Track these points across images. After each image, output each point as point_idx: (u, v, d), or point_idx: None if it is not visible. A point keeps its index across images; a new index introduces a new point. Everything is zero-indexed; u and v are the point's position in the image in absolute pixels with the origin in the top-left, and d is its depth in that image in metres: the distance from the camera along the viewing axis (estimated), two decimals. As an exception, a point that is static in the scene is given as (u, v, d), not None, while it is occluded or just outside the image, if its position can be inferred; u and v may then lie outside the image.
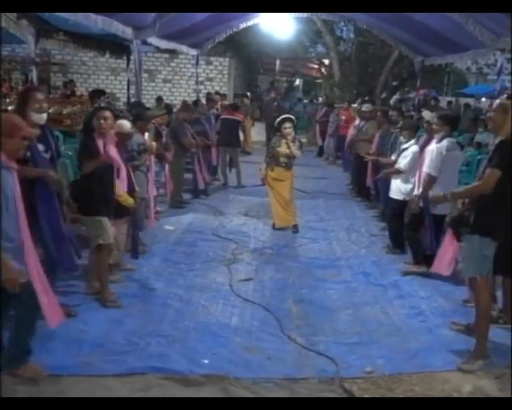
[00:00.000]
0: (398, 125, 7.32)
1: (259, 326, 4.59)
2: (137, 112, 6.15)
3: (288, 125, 7.46)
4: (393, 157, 6.85)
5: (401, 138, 6.86)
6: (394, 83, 20.32)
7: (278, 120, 7.67)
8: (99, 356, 3.88)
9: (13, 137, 3.29)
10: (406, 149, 6.49)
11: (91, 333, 4.21)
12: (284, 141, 7.47)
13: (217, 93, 15.95)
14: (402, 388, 3.71)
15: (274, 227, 7.66)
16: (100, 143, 4.64)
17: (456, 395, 3.62)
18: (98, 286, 4.87)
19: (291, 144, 7.42)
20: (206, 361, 3.92)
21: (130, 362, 3.82)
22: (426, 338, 4.45)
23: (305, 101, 24.32)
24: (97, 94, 7.47)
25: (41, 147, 4.20)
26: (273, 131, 17.32)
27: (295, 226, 7.60)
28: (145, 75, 18.33)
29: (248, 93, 19.95)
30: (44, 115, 4.18)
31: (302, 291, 5.47)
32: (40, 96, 4.18)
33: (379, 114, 9.60)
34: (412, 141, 6.52)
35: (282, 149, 7.48)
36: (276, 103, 17.80)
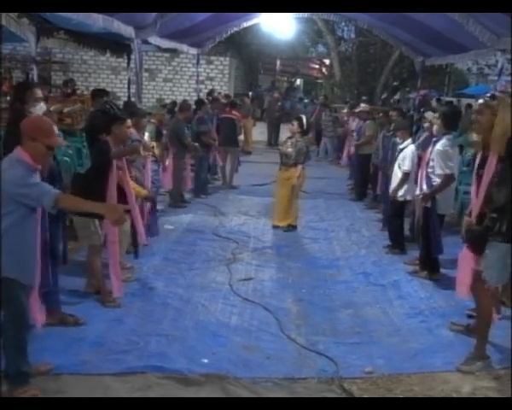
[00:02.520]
0: (391, 128, 7.34)
1: (259, 326, 4.59)
2: (131, 110, 6.15)
3: (293, 122, 7.61)
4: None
5: (396, 139, 6.86)
6: (395, 83, 20.35)
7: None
8: (99, 355, 3.88)
9: (38, 140, 3.22)
10: (403, 149, 6.50)
11: (91, 332, 4.21)
12: (291, 140, 7.52)
13: (216, 93, 15.96)
14: (401, 388, 3.71)
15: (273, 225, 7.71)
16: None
17: (455, 396, 3.62)
18: (97, 284, 4.87)
19: (288, 143, 7.49)
20: (205, 361, 3.92)
21: (130, 361, 3.82)
22: (425, 338, 4.45)
23: (306, 101, 24.33)
24: (99, 93, 7.45)
25: None
26: (275, 130, 17.45)
27: (288, 226, 7.61)
28: (146, 74, 18.38)
29: (250, 93, 19.95)
30: (41, 104, 4.14)
31: (302, 291, 5.47)
32: (39, 92, 4.15)
33: (381, 115, 9.60)
34: (409, 140, 6.53)
35: (285, 148, 7.54)
36: (279, 103, 17.83)
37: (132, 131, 5.15)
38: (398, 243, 6.64)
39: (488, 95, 4.05)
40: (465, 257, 4.11)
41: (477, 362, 3.94)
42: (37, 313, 3.65)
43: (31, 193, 3.14)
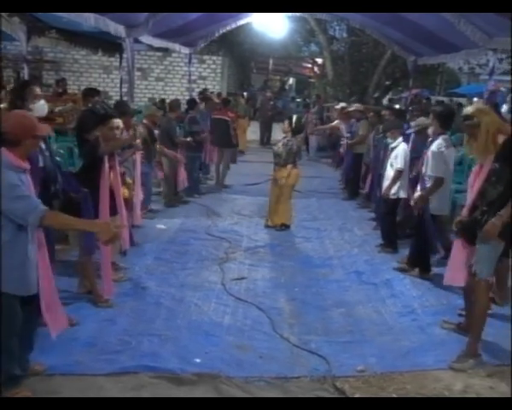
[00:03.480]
0: (381, 129, 7.38)
1: (252, 325, 4.59)
2: (122, 110, 6.13)
3: (285, 121, 7.70)
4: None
5: (388, 139, 6.87)
6: (387, 82, 20.38)
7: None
8: (91, 355, 3.87)
9: (27, 138, 3.15)
10: (395, 148, 6.51)
11: (83, 332, 4.20)
12: (283, 140, 7.55)
13: (210, 92, 15.96)
14: (394, 386, 3.72)
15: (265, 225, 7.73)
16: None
17: (447, 394, 3.64)
18: (89, 285, 4.85)
19: (280, 143, 7.55)
20: (198, 360, 3.92)
21: (123, 361, 3.81)
22: (418, 337, 4.47)
23: (299, 100, 24.35)
24: (91, 93, 7.42)
25: (43, 145, 4.17)
26: (268, 130, 17.43)
27: (282, 225, 7.62)
28: (138, 73, 18.30)
29: (245, 93, 19.94)
30: (46, 108, 4.15)
31: (295, 290, 5.48)
32: (38, 90, 4.16)
33: (371, 114, 9.63)
34: (400, 139, 6.54)
35: (276, 148, 7.61)
36: (271, 102, 17.84)
37: (117, 132, 5.10)
38: (390, 242, 6.66)
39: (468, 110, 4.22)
40: (456, 247, 4.31)
41: (469, 360, 3.96)
42: (53, 321, 3.60)
43: (16, 209, 3.03)
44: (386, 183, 6.55)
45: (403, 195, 6.42)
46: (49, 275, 3.48)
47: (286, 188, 7.54)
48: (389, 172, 6.51)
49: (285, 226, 7.63)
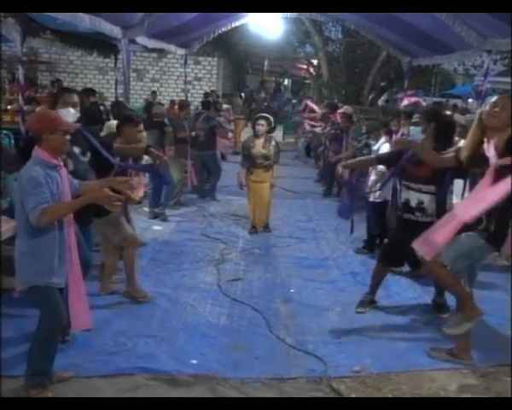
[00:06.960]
0: (364, 132, 7.37)
1: (248, 326, 4.60)
2: (118, 112, 6.15)
3: (261, 121, 7.32)
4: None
5: (370, 141, 6.83)
6: (382, 83, 20.42)
7: (254, 117, 7.69)
8: (87, 357, 3.87)
9: (54, 132, 3.20)
10: (378, 150, 6.44)
11: (79, 333, 4.16)
12: (261, 141, 7.28)
13: (212, 92, 16.11)
14: (389, 387, 3.73)
15: (251, 231, 7.52)
16: None
17: (442, 394, 3.65)
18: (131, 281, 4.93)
19: (261, 144, 7.25)
20: (194, 361, 3.92)
21: (118, 363, 3.81)
22: (413, 337, 4.48)
23: (294, 101, 24.34)
24: (87, 93, 7.41)
25: (76, 149, 4.21)
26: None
27: (266, 226, 7.58)
28: (133, 74, 18.31)
29: (242, 94, 19.95)
30: (74, 115, 4.16)
31: (290, 291, 5.48)
32: (72, 97, 4.29)
33: (342, 119, 9.68)
34: (382, 139, 6.49)
35: (258, 149, 7.26)
36: (265, 103, 17.87)
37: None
38: (369, 243, 6.70)
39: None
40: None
41: (465, 323, 3.90)
42: (76, 316, 3.58)
43: (26, 205, 3.09)
44: (371, 184, 6.43)
45: (390, 197, 6.33)
46: (77, 270, 3.49)
47: (272, 188, 7.50)
48: (371, 175, 6.40)
49: (268, 226, 7.59)
